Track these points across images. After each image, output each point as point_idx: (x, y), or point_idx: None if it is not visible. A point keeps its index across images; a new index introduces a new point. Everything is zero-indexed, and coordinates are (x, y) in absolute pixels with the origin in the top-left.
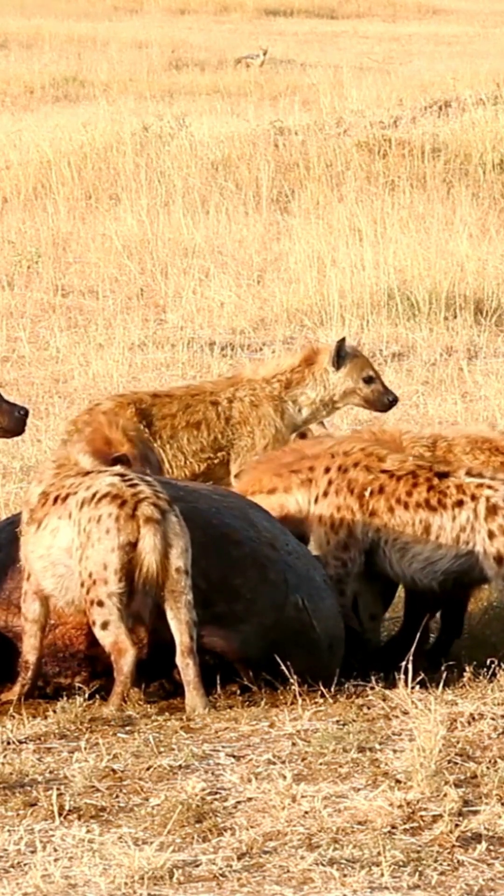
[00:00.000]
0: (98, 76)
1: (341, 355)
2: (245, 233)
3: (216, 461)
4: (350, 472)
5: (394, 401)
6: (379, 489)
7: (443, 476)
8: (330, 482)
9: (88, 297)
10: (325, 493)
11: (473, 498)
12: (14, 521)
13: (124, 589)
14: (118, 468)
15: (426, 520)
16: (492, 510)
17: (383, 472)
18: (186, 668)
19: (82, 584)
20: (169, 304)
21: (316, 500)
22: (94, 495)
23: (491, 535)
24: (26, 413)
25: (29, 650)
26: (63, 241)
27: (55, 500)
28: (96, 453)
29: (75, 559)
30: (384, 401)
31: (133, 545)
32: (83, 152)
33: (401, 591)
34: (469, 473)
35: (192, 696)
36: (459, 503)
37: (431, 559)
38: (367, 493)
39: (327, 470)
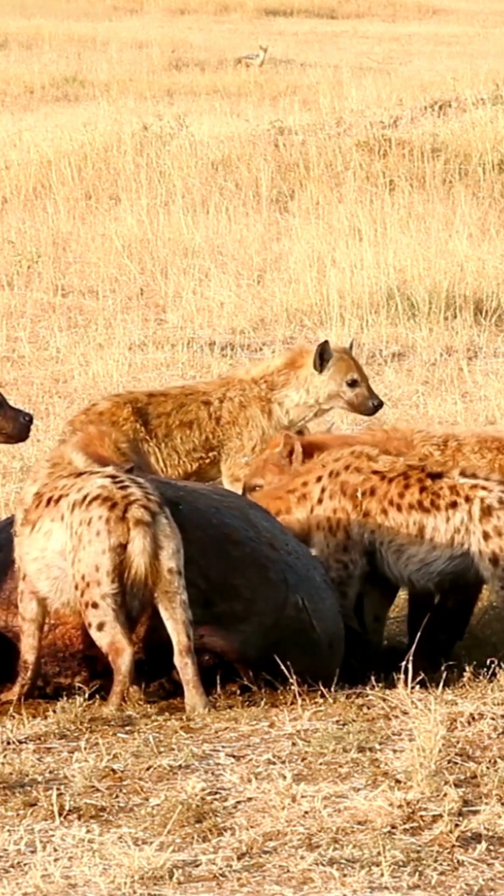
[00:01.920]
0: (98, 76)
1: (324, 358)
2: (245, 233)
3: (207, 461)
4: (342, 475)
5: (378, 405)
6: (371, 490)
7: (436, 477)
8: (323, 489)
9: (88, 297)
10: (320, 500)
11: (468, 499)
12: (13, 522)
13: (118, 590)
14: (110, 469)
15: (420, 521)
16: (486, 511)
17: (374, 472)
18: (185, 667)
19: (76, 587)
20: (169, 304)
21: (312, 510)
22: (84, 497)
23: (486, 536)
24: (31, 419)
25: (27, 650)
26: (63, 241)
27: (48, 501)
28: (90, 454)
29: (69, 562)
30: (368, 405)
31: (124, 547)
32: (83, 152)
33: (402, 592)
34: (463, 474)
35: (192, 696)
36: (453, 504)
37: (427, 560)
38: (359, 494)
39: (319, 479)
